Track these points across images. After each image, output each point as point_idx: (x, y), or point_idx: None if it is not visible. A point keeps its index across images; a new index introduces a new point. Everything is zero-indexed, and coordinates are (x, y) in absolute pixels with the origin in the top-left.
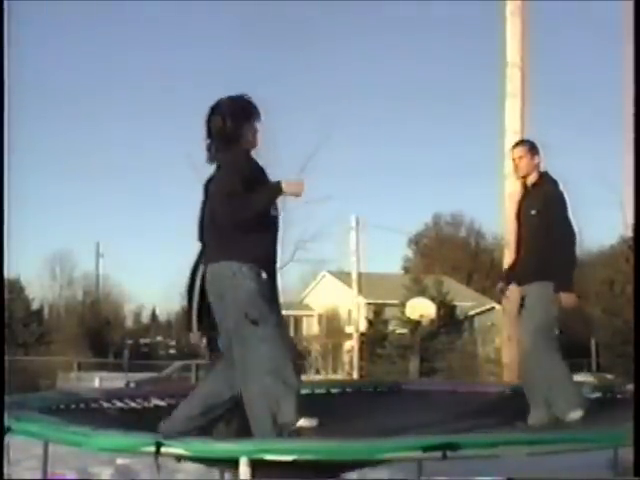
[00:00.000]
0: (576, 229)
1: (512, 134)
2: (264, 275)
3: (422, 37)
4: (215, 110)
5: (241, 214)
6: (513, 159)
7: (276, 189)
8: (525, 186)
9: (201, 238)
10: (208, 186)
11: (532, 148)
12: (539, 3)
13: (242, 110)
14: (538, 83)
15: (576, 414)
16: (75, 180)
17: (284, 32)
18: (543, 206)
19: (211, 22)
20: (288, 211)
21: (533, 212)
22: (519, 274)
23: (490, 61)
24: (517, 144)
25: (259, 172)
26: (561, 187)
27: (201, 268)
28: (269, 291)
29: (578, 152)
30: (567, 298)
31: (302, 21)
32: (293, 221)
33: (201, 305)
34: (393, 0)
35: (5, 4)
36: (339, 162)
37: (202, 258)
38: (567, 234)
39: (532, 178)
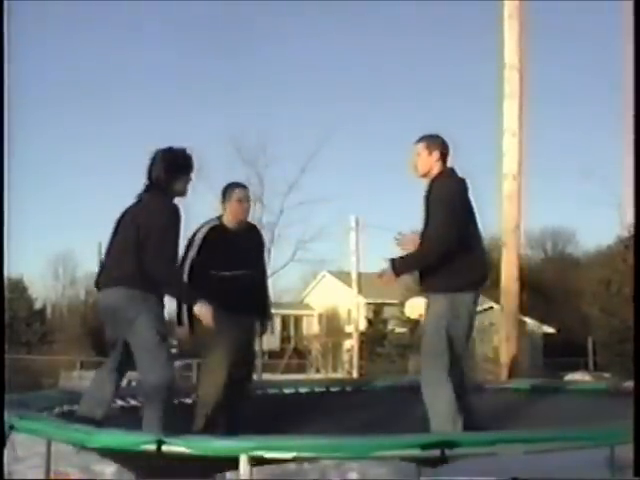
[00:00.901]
0: (450, 235)
1: (510, 135)
2: (163, 304)
3: (421, 38)
4: (156, 160)
5: (165, 271)
6: (412, 157)
7: (191, 299)
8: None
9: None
10: (133, 217)
11: (430, 145)
12: (537, 4)
13: (181, 165)
14: (536, 85)
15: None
16: (77, 180)
17: (283, 31)
18: (432, 202)
19: (211, 17)
20: (288, 211)
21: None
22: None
23: (488, 62)
24: (417, 141)
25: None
26: (463, 185)
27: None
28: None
29: (577, 152)
30: (387, 277)
31: (301, 20)
32: (293, 221)
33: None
34: (392, 0)
35: (5, 4)
36: (339, 162)
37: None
38: (437, 236)
39: (432, 174)
